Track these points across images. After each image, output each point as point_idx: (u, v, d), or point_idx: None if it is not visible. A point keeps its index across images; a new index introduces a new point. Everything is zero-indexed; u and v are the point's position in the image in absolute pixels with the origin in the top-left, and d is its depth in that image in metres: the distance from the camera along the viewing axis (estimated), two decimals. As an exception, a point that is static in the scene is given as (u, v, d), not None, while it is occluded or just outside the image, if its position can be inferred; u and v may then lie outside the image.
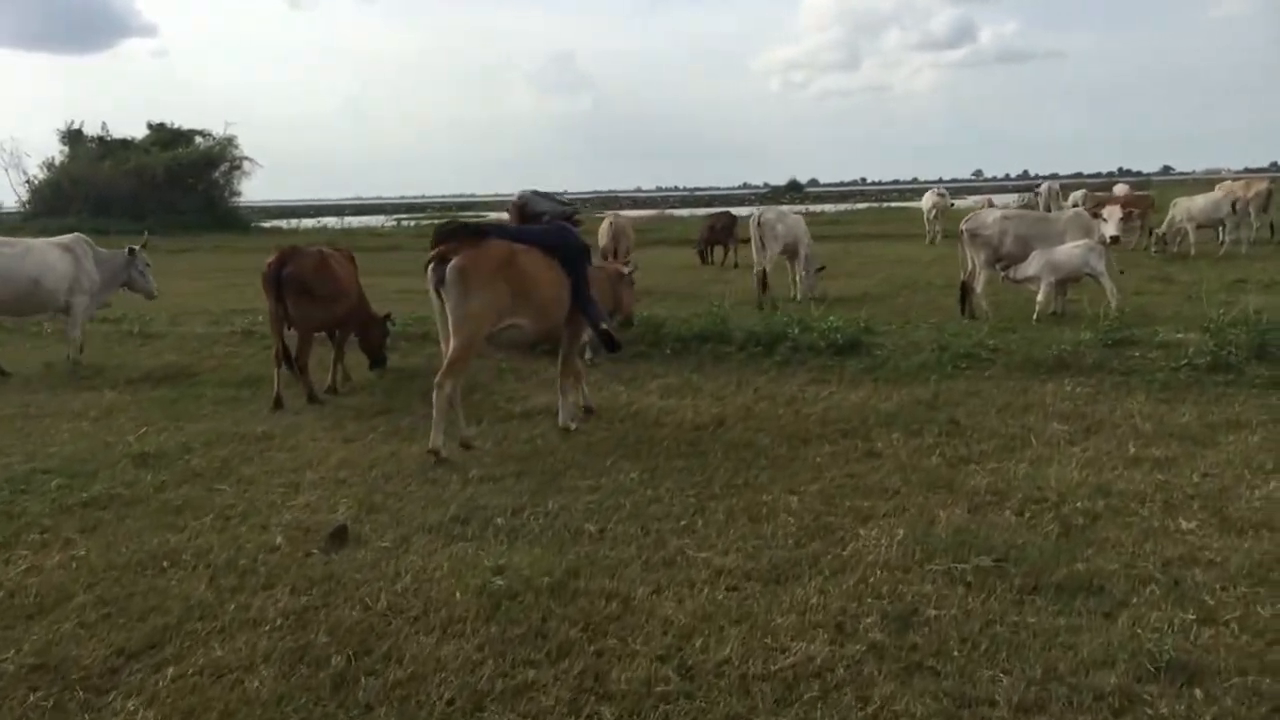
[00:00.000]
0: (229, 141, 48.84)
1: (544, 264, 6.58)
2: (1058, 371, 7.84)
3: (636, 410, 7.32)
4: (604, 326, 6.94)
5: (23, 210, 47.65)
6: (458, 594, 3.98)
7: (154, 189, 45.16)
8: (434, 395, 6.20)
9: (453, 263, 6.08)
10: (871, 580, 4.06)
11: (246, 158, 49.49)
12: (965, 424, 6.54)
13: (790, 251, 14.84)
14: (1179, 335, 8.46)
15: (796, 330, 9.13)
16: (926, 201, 26.24)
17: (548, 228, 7.12)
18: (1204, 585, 3.92)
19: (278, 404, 7.68)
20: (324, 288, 7.79)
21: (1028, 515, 4.77)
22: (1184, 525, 4.59)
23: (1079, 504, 4.87)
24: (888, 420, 6.71)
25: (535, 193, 8.56)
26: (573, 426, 6.79)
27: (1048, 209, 24.18)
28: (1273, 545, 4.29)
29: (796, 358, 8.65)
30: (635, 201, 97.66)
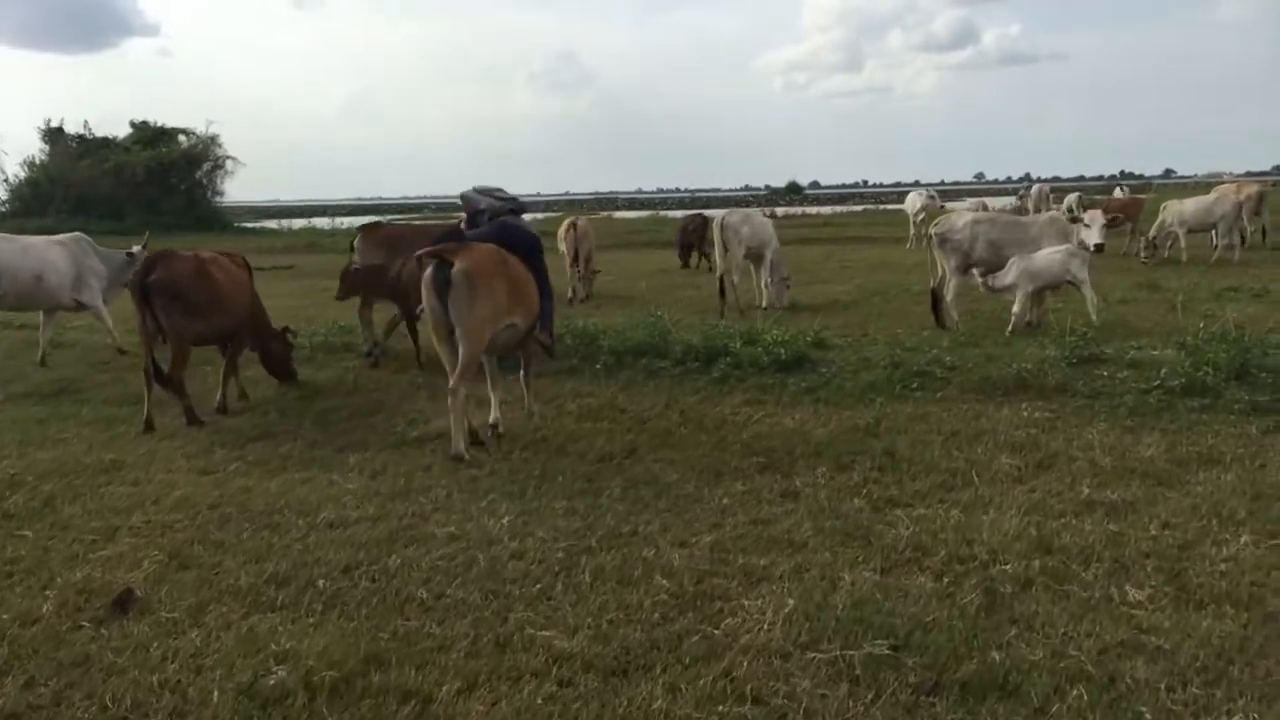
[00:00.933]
0: (212, 140, 48.08)
1: (520, 262, 6.65)
2: (1016, 393, 7.06)
3: (543, 437, 6.54)
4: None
5: (1, 210, 46.89)
6: (216, 693, 3.21)
7: (133, 188, 44.41)
8: (450, 401, 6.11)
9: (460, 267, 6.00)
10: (737, 674, 3.28)
11: (230, 157, 48.76)
12: (903, 456, 5.76)
13: (755, 256, 14.05)
14: (1153, 352, 7.67)
15: (739, 344, 8.36)
16: (911, 203, 25.44)
17: (503, 225, 7.10)
18: (1146, 685, 3.15)
19: (148, 426, 6.92)
20: (200, 296, 7.02)
21: (947, 580, 3.99)
22: (1132, 595, 3.81)
23: (1011, 564, 4.10)
24: (817, 451, 5.93)
25: (476, 189, 8.05)
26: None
27: (1037, 212, 23.44)
28: (1235, 627, 3.52)
29: (736, 375, 7.87)
30: (633, 203, 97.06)
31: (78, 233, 10.84)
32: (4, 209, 46.77)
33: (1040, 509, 4.81)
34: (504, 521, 4.82)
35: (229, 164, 48.60)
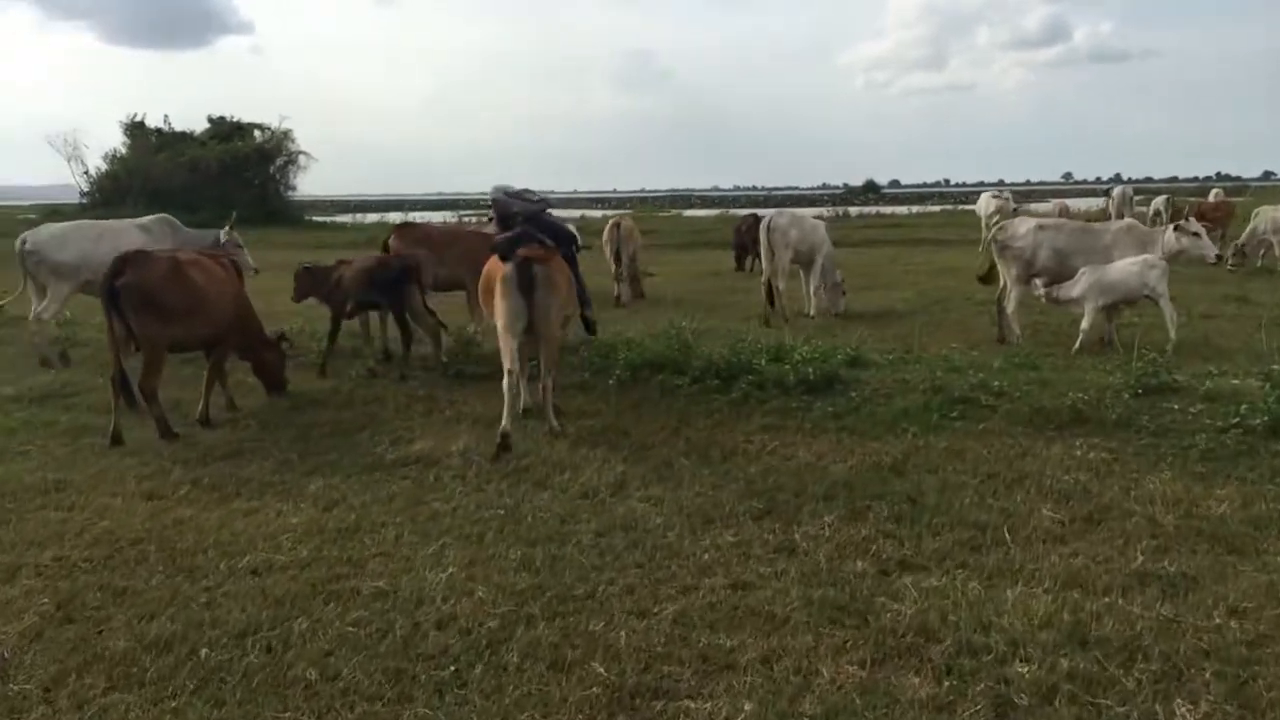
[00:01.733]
0: (285, 135, 48.63)
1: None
2: (1071, 428, 6.19)
3: (528, 465, 5.89)
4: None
5: (82, 202, 48.10)
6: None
7: (208, 181, 45.06)
8: (541, 389, 6.85)
9: (541, 270, 6.60)
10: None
11: (302, 152, 49.29)
12: (927, 503, 4.98)
13: (805, 261, 13.23)
14: (1234, 382, 6.70)
15: (765, 361, 7.60)
16: (984, 204, 24.20)
17: (544, 223, 7.70)
18: None
19: (115, 440, 6.46)
20: (175, 300, 6.53)
21: (949, 683, 3.23)
22: (1182, 714, 3.01)
23: (1033, 664, 3.31)
24: (829, 492, 5.17)
25: (505, 191, 7.88)
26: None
27: (1119, 216, 22.09)
28: (1318, 776, 2.71)
29: (757, 396, 7.12)
30: (706, 200, 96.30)
31: (163, 214, 10.64)
32: (85, 201, 47.96)
33: (1080, 581, 4.01)
34: (445, 575, 4.18)
35: (301, 159, 49.15)
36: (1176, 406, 6.29)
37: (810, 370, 7.27)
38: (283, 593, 4.03)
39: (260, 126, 49.63)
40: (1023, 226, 10.50)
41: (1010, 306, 10.34)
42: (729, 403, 7.08)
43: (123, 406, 6.59)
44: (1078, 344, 9.53)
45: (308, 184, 52.03)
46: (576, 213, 58.25)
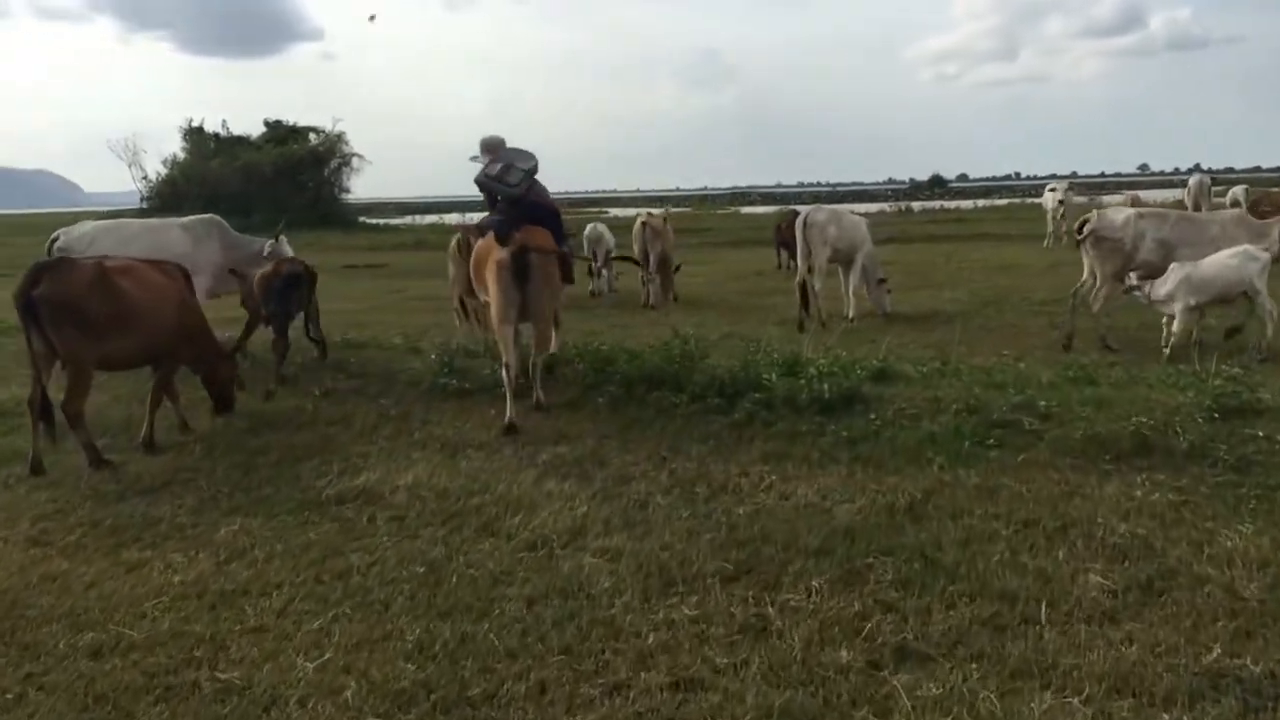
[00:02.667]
0: (339, 138, 48.65)
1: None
2: (1131, 459, 5.15)
3: (479, 504, 5.04)
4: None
5: (142, 206, 48.71)
6: None
7: (262, 184, 45.22)
8: (532, 370, 6.92)
9: (538, 259, 6.70)
10: None
11: (356, 154, 49.26)
12: (944, 561, 4.02)
13: (844, 260, 12.22)
14: (1336, 402, 5.60)
15: (776, 375, 6.65)
16: (1049, 197, 22.76)
17: (537, 201, 7.31)
18: None
19: (35, 469, 5.78)
20: (100, 312, 5.81)
21: None
22: None
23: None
24: (826, 545, 4.24)
25: (488, 175, 7.39)
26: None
27: (1196, 207, 20.58)
28: None
29: (764, 416, 6.17)
30: (768, 196, 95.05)
31: (211, 215, 10.32)
32: (145, 205, 48.54)
33: (1132, 684, 3.04)
34: (317, 662, 3.35)
35: (355, 161, 49.10)
36: (1263, 434, 5.20)
37: (826, 387, 6.30)
38: (111, 686, 3.24)
39: (315, 129, 49.76)
40: (1120, 216, 9.45)
41: (1097, 304, 9.30)
42: (729, 425, 6.16)
43: (43, 432, 5.90)
44: (1167, 350, 8.47)
45: (372, 186, 52.31)
46: (612, 211, 57.79)
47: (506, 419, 6.49)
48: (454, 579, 4.05)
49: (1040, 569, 3.93)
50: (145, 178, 48.99)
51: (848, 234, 12.03)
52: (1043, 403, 5.89)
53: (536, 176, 7.42)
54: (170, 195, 47.27)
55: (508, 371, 6.70)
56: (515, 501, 5.03)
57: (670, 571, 4.04)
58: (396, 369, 8.08)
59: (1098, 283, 9.43)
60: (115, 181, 51.01)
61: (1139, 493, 4.71)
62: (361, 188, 52.60)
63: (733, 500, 4.95)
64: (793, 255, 19.25)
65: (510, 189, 7.41)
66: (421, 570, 4.14)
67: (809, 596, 3.78)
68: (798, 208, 23.86)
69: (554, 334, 7.43)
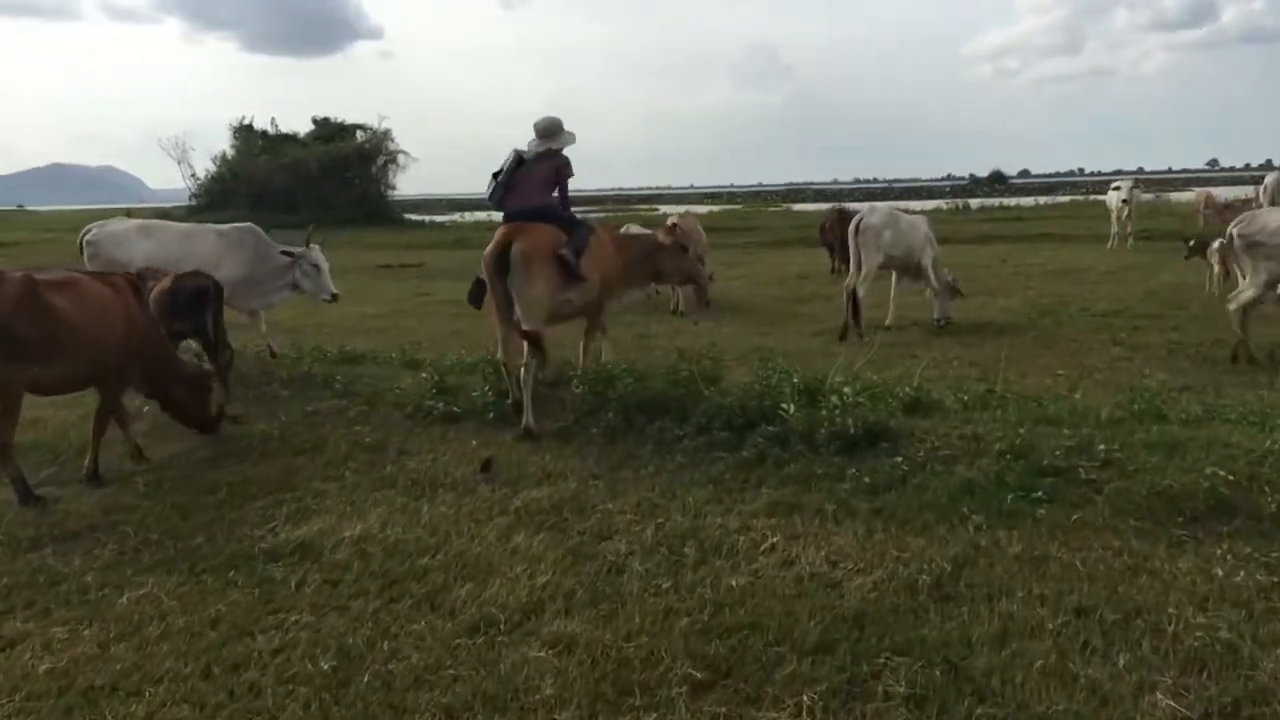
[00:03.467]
0: (385, 135, 48.52)
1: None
2: (1210, 522, 4.26)
3: (427, 568, 4.30)
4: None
5: (190, 204, 49.01)
6: None
7: (308, 182, 45.21)
8: (521, 376, 6.44)
9: (520, 250, 6.38)
10: None
11: (402, 151, 49.12)
12: (971, 669, 3.20)
13: (902, 266, 11.36)
14: None
15: (794, 404, 5.84)
16: (1115, 195, 21.49)
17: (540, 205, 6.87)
18: None
19: (-50, 509, 5.19)
20: (28, 331, 5.19)
21: None
22: None
23: None
24: (827, 638, 3.44)
25: None
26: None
27: (1273, 204, 19.24)
28: None
29: (775, 455, 5.37)
30: (822, 194, 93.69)
31: (249, 224, 10.11)
32: (192, 203, 48.84)
33: None
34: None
35: (401, 158, 48.94)
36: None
37: (850, 421, 5.48)
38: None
39: (362, 127, 49.68)
40: (1273, 218, 8.51)
41: (1238, 319, 8.48)
42: (736, 465, 5.37)
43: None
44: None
45: (426, 182, 52.14)
46: (661, 209, 56.98)
47: (523, 425, 6.27)
48: (366, 678, 3.32)
49: (1094, 682, 3.10)
50: (194, 175, 49.28)
51: (904, 238, 11.16)
52: (1102, 445, 5.00)
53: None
54: (218, 193, 47.56)
55: (507, 371, 6.60)
56: (472, 563, 4.30)
57: (630, 674, 3.27)
58: (385, 388, 7.41)
59: (1246, 287, 8.57)
60: (177, 178, 51.46)
61: (1219, 571, 3.84)
62: (415, 184, 52.66)
63: (725, 566, 4.17)
64: (834, 255, 18.38)
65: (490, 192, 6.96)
66: (331, 665, 3.41)
67: (797, 717, 3.00)
68: (848, 205, 22.87)
69: (593, 341, 7.40)
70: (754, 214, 46.85)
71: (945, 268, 11.54)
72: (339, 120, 51.01)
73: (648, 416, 6.13)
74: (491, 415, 6.53)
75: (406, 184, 52.56)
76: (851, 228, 11.30)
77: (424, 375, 7.34)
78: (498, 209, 6.97)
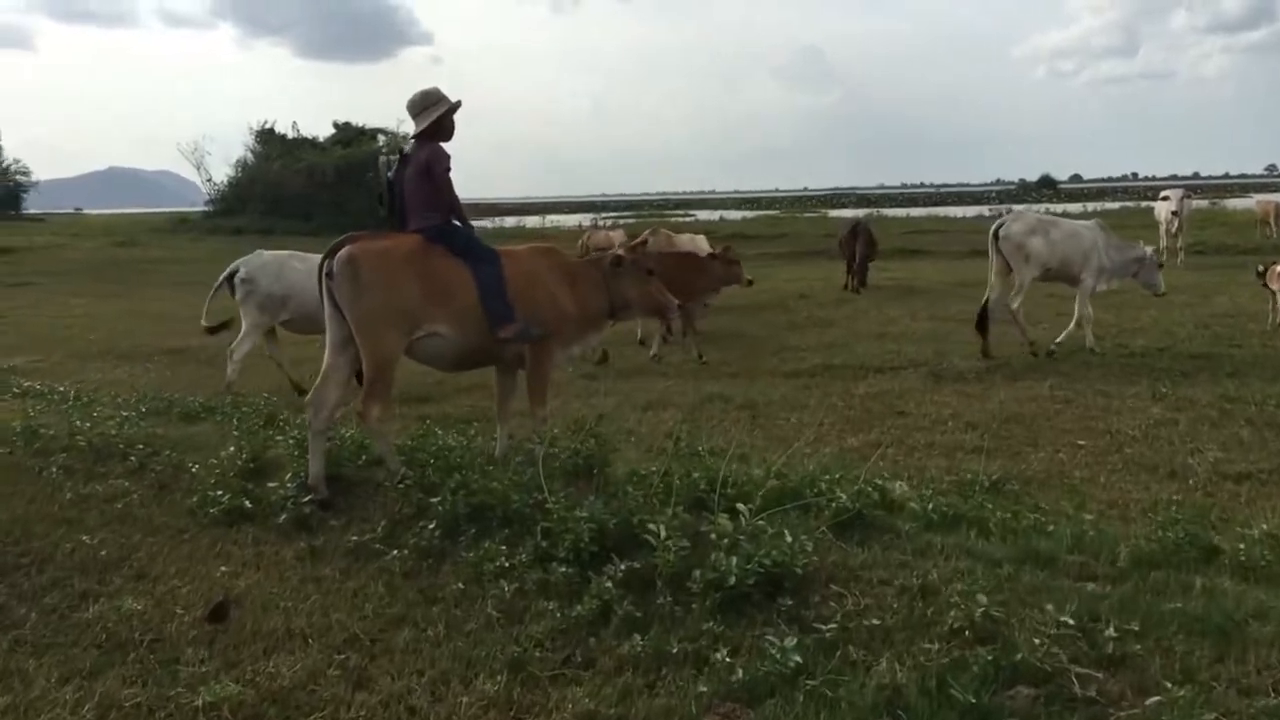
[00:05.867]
0: (404, 138, 47.22)
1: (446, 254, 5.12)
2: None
3: None
4: None
5: (205, 209, 48.20)
6: None
7: (323, 187, 44.07)
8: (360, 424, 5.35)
9: (347, 257, 4.89)
10: None
11: (434, 156, 47.83)
12: None
13: (1064, 278, 10.02)
14: None
15: (663, 530, 3.97)
16: (1164, 206, 19.32)
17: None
18: None
19: None
20: None
21: None
22: None
23: None
24: None
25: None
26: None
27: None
28: None
29: (625, 611, 3.58)
30: (863, 199, 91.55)
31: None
32: (207, 208, 48.00)
33: None
34: None
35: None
36: None
37: (735, 563, 3.65)
38: None
39: (382, 131, 48.47)
40: None
41: None
42: (564, 627, 3.59)
43: None
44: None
45: (467, 188, 51.22)
46: (699, 214, 55.12)
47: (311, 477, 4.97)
48: None
49: None
50: (210, 180, 48.40)
51: (1060, 248, 9.69)
52: (1112, 628, 3.16)
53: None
54: (234, 198, 46.64)
55: (363, 420, 5.12)
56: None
57: None
58: (193, 461, 5.73)
59: None
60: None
61: None
62: (460, 189, 51.73)
63: None
64: (849, 269, 16.54)
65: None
66: None
67: None
68: (863, 214, 20.91)
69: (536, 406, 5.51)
70: (788, 220, 44.90)
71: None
72: (359, 124, 49.99)
73: (477, 531, 4.38)
74: (284, 517, 4.81)
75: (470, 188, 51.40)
76: (991, 234, 10.01)
77: (233, 449, 5.64)
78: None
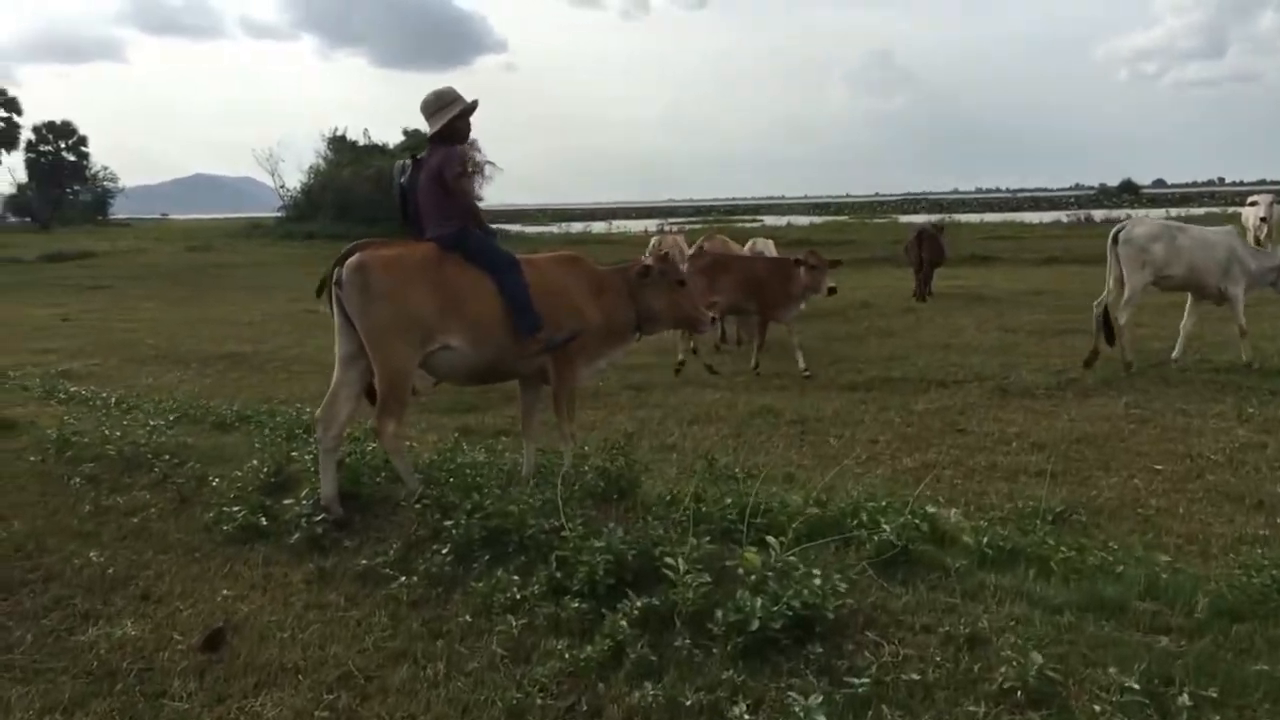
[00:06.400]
0: (470, 145, 47.58)
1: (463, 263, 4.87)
2: None
3: None
4: None
5: (278, 215, 49.08)
6: None
7: (388, 193, 44.54)
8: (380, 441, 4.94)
9: (354, 261, 4.64)
10: None
11: (488, 161, 48.10)
12: None
13: (1185, 287, 9.52)
14: None
15: (683, 564, 3.65)
16: (1253, 212, 18.34)
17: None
18: None
19: None
20: None
21: None
22: None
23: None
24: None
25: None
26: None
27: None
28: None
29: (640, 655, 3.27)
30: (935, 204, 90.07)
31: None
32: (280, 214, 48.86)
33: None
34: None
35: (487, 169, 47.92)
36: None
37: (762, 604, 3.32)
38: None
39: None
40: None
41: None
42: (572, 669, 3.29)
43: None
44: None
45: (539, 192, 51.49)
46: (766, 219, 54.45)
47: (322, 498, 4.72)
48: None
49: None
50: (283, 186, 49.30)
51: (1186, 256, 9.16)
52: (1187, 687, 2.76)
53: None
54: (306, 204, 47.44)
55: (380, 438, 4.82)
56: None
57: None
58: (216, 473, 5.57)
59: None
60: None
61: None
62: (529, 194, 52.10)
63: None
64: (917, 276, 16.00)
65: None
66: None
67: None
68: (930, 220, 20.30)
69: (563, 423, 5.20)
70: (856, 227, 44.13)
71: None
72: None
73: (491, 557, 4.11)
74: (297, 536, 4.60)
75: (520, 195, 51.86)
76: (1111, 238, 9.58)
77: (255, 462, 5.46)
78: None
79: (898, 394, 8.39)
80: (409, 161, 5.16)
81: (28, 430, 7.01)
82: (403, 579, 4.04)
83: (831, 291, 9.84)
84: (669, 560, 3.65)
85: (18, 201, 70.72)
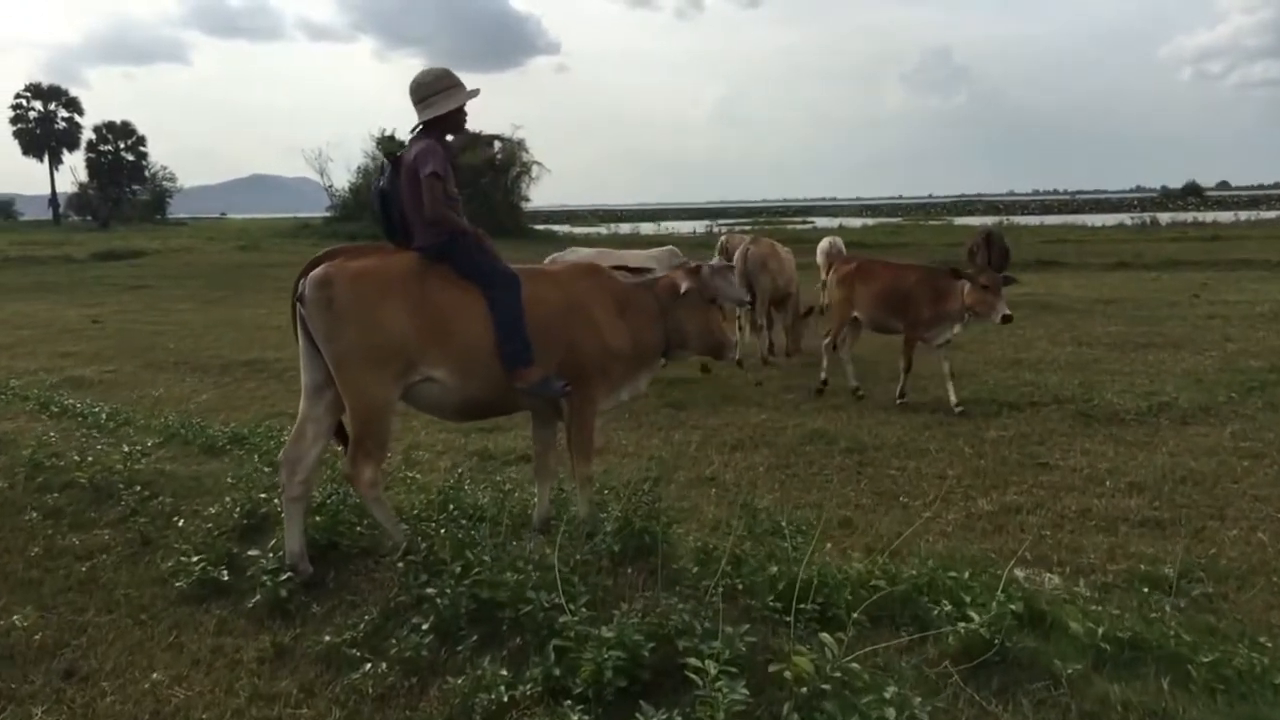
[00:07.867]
0: (518, 145, 47.12)
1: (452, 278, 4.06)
2: None
3: None
4: None
5: (326, 214, 49.00)
6: None
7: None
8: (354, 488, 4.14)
9: (319, 274, 3.88)
10: None
11: (536, 162, 47.64)
12: None
13: None
14: None
15: (714, 667, 2.84)
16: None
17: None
18: None
19: None
20: None
21: None
22: None
23: None
24: None
25: None
26: None
27: None
28: None
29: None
30: (991, 206, 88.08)
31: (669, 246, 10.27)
32: (328, 213, 48.78)
33: None
34: None
35: (535, 169, 47.43)
36: None
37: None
38: None
39: (498, 137, 48.41)
40: None
41: None
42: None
43: None
44: None
45: (590, 193, 51.00)
46: (819, 221, 53.23)
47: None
48: None
49: None
50: (330, 186, 49.22)
51: None
52: None
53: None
54: (354, 204, 47.27)
55: (353, 484, 4.06)
56: None
57: None
58: (185, 510, 4.87)
59: None
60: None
61: None
62: (578, 195, 51.74)
63: None
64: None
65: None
66: None
67: None
68: (991, 223, 19.24)
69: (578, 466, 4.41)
70: (909, 229, 42.81)
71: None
72: (475, 131, 50.03)
73: (479, 638, 3.34)
74: (257, 598, 3.87)
75: (570, 196, 51.40)
76: None
77: (229, 500, 4.75)
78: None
79: (966, 417, 7.49)
80: (387, 161, 4.31)
81: (8, 449, 6.41)
82: (369, 666, 3.28)
83: (1007, 319, 7.83)
84: (695, 661, 2.84)
85: (80, 200, 72.14)
